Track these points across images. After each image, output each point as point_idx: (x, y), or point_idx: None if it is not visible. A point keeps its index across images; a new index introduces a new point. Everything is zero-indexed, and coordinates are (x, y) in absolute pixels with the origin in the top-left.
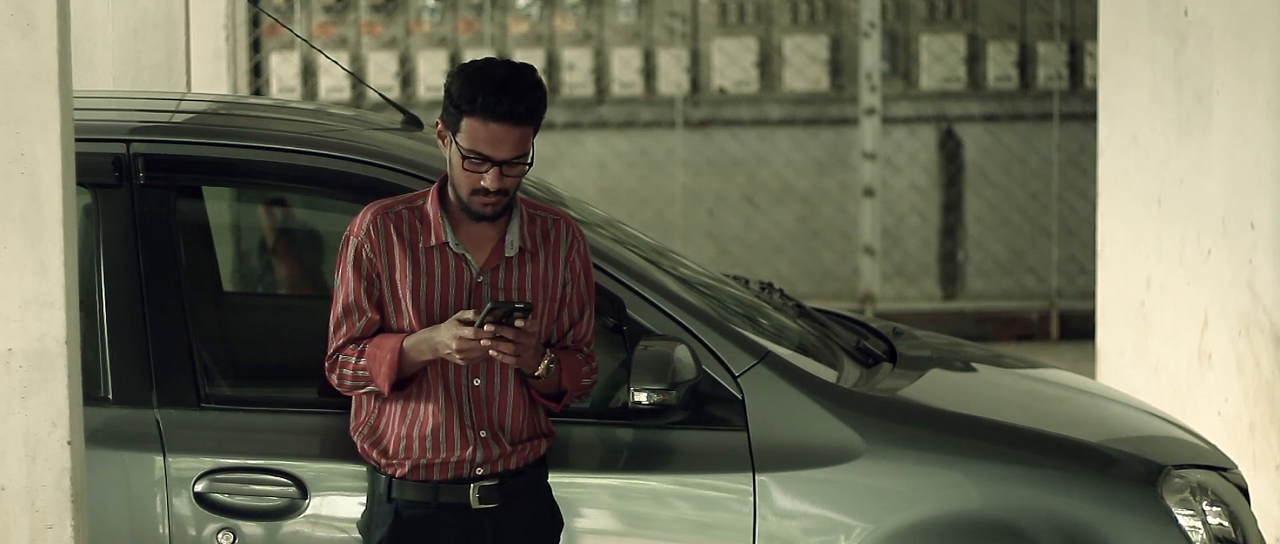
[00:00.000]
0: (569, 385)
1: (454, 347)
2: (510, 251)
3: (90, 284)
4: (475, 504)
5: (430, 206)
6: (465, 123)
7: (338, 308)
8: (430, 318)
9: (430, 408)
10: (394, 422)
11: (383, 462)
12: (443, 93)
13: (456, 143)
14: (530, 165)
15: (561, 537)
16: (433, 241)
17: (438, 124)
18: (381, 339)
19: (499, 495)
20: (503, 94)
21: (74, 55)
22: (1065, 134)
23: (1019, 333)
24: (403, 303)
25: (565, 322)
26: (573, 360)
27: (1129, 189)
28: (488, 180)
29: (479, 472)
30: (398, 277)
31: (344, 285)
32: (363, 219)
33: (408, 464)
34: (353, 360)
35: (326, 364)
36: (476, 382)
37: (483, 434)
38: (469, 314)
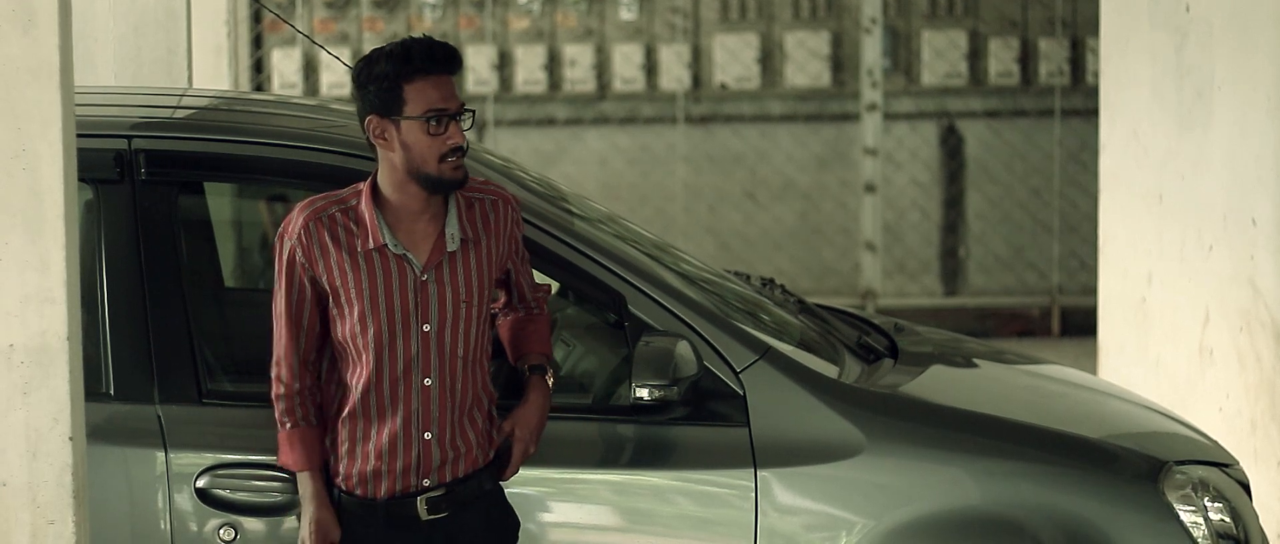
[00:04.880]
0: (547, 346)
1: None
2: (452, 246)
3: (92, 280)
4: (424, 516)
5: (365, 207)
6: (410, 90)
7: (278, 307)
8: (376, 317)
9: (377, 411)
10: (342, 427)
11: (335, 467)
12: (366, 83)
13: (406, 119)
14: (474, 112)
15: (563, 534)
16: (371, 245)
17: (369, 123)
18: (302, 446)
19: (448, 505)
20: (431, 47)
21: (75, 51)
22: (1066, 130)
23: (1020, 329)
24: (350, 305)
25: (525, 288)
26: (539, 327)
27: (1130, 185)
28: (454, 135)
29: (425, 483)
30: (338, 281)
31: (280, 288)
32: (294, 222)
33: (355, 474)
34: (278, 411)
35: (273, 370)
36: (427, 381)
37: (427, 436)
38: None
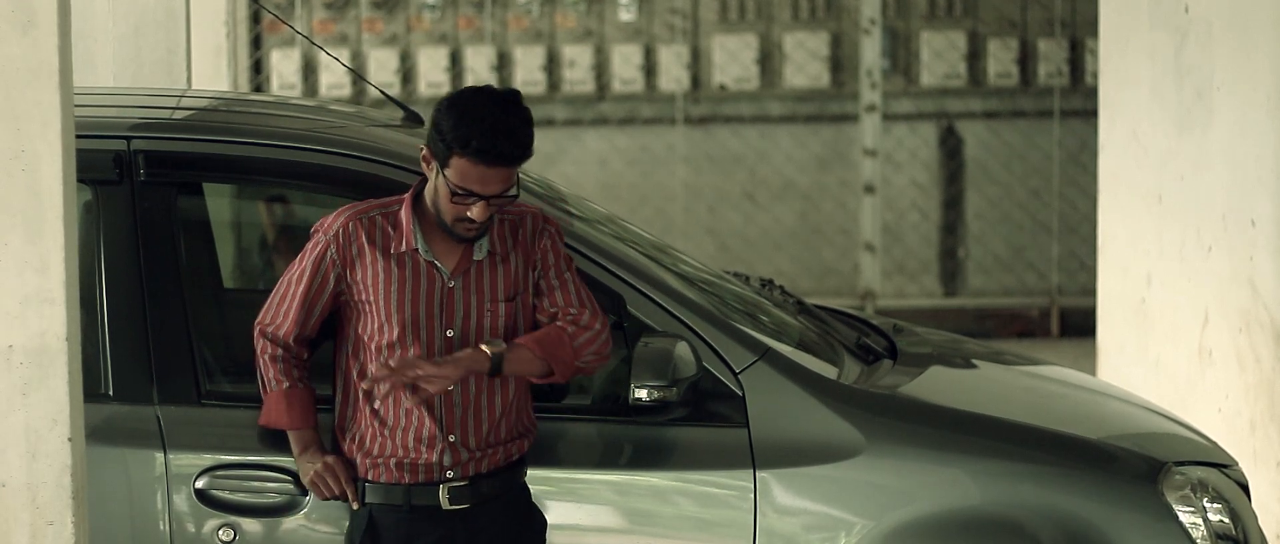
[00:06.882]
0: (555, 363)
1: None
2: (479, 256)
3: (91, 281)
4: (446, 506)
5: (404, 213)
6: (455, 161)
7: (293, 288)
8: (402, 322)
9: (400, 411)
10: (366, 418)
11: (359, 460)
12: (432, 123)
13: (444, 175)
14: (516, 196)
15: (563, 535)
16: (403, 247)
17: (422, 149)
18: (299, 406)
19: (470, 496)
20: (497, 137)
21: (74, 52)
22: (1066, 131)
23: (1020, 329)
24: (376, 305)
25: (546, 303)
26: (551, 336)
27: (1129, 186)
28: (474, 213)
29: (449, 475)
30: (370, 280)
31: (299, 273)
32: (335, 220)
33: (380, 464)
34: (272, 373)
35: (257, 329)
36: (450, 386)
37: (452, 439)
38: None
